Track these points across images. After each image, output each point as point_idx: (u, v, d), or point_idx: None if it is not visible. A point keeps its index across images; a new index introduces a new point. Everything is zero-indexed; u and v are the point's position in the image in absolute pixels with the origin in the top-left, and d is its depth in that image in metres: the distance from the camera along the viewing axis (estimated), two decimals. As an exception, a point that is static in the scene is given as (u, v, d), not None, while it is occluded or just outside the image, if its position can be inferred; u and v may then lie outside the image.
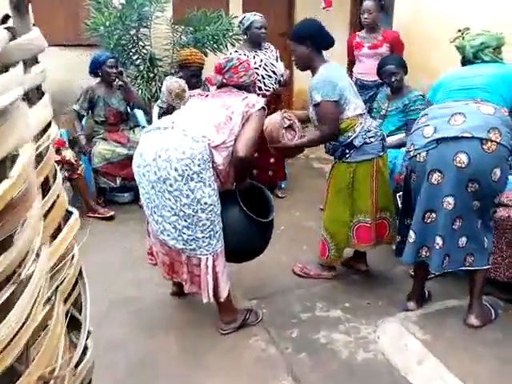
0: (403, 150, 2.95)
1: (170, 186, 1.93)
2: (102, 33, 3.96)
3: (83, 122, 3.76)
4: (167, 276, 2.23)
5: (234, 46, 4.53)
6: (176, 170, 1.91)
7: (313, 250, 2.89)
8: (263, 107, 2.16)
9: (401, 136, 3.24)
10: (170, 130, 2.00)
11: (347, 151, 2.38)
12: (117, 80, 3.73)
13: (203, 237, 2.01)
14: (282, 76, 3.70)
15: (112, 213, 3.46)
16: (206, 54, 4.51)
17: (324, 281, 2.71)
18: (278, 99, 3.75)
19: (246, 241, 2.16)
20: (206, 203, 1.97)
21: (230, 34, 4.47)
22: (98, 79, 3.69)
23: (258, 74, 3.52)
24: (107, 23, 3.87)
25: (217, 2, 5.08)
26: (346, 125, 2.38)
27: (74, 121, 3.68)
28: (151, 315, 2.40)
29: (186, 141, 1.94)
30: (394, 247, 2.95)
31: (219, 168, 2.03)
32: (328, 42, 2.42)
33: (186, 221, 1.98)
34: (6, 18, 0.75)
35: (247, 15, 3.61)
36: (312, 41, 2.37)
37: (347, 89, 2.37)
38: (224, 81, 2.23)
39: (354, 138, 2.36)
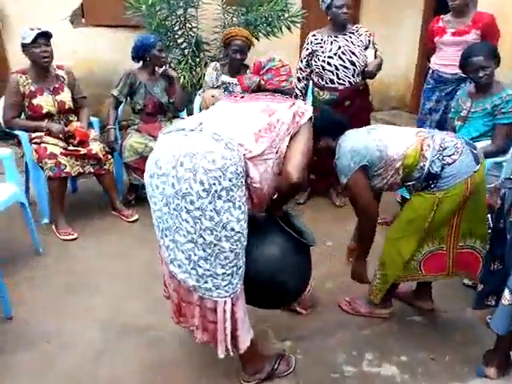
0: (489, 161, 2.38)
1: (191, 203, 1.51)
2: (144, 12, 3.60)
3: (120, 109, 3.43)
4: (174, 318, 1.83)
5: (289, 29, 4.04)
6: (202, 183, 1.49)
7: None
8: (310, 117, 1.76)
9: (485, 144, 2.62)
10: (198, 132, 1.58)
11: (430, 182, 1.85)
12: (163, 67, 3.36)
13: (223, 273, 1.59)
14: (365, 66, 3.10)
15: (136, 217, 3.12)
16: (257, 38, 4.05)
17: (376, 322, 2.21)
18: (356, 93, 3.18)
19: (288, 273, 1.74)
20: (232, 229, 1.54)
21: (286, 15, 3.97)
22: (140, 64, 3.33)
23: (330, 64, 3.07)
24: (150, 1, 3.50)
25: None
26: (411, 157, 1.86)
27: (109, 109, 3.34)
28: (164, 351, 2.02)
29: (217, 147, 1.52)
30: (464, 281, 2.42)
31: (254, 186, 1.60)
32: None
33: (204, 250, 1.57)
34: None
35: None
36: None
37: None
38: (262, 82, 1.87)
39: (430, 165, 1.82)
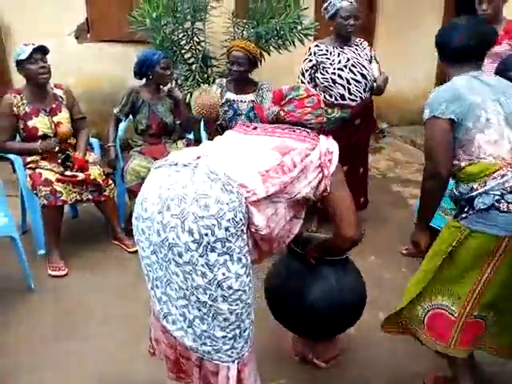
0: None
1: (179, 255, 1.27)
2: (148, 26, 3.40)
3: (121, 128, 3.22)
4: (171, 375, 1.57)
5: (302, 42, 3.82)
6: (191, 232, 1.24)
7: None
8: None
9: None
10: (192, 168, 1.34)
11: (465, 209, 1.55)
12: (168, 85, 3.14)
13: (224, 337, 1.34)
14: (374, 81, 2.85)
15: (136, 248, 2.88)
16: (268, 52, 3.84)
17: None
18: (366, 110, 2.93)
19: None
20: (230, 287, 1.29)
21: (299, 28, 3.75)
22: (144, 81, 3.12)
23: (341, 78, 2.78)
24: (154, 15, 3.30)
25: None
26: (478, 169, 1.52)
27: (109, 127, 3.12)
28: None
29: (212, 189, 1.28)
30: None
31: (261, 233, 1.34)
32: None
33: (199, 310, 1.32)
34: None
35: (333, 0, 2.78)
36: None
37: (487, 110, 1.53)
38: (281, 114, 1.60)
39: (480, 194, 1.51)
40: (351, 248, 1.61)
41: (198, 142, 3.26)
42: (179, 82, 3.68)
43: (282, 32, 3.73)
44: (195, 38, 3.88)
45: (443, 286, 1.62)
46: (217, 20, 3.81)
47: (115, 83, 4.77)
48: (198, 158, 1.40)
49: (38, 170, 2.62)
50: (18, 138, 2.78)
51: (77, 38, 4.61)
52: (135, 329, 2.16)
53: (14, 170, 2.79)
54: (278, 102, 1.63)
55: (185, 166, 1.35)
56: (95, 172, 2.74)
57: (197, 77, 3.68)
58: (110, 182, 2.84)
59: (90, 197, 2.74)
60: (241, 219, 1.28)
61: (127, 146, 3.22)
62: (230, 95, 3.02)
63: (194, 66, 3.77)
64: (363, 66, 2.79)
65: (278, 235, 1.43)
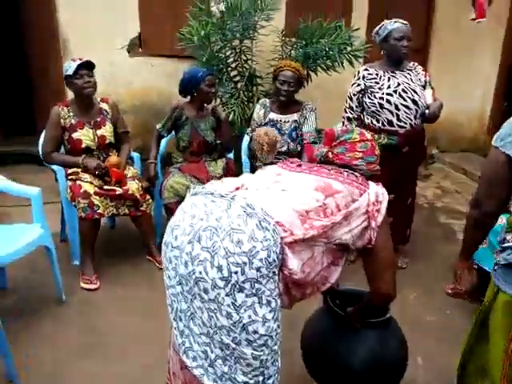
0: None
1: (205, 291, 1.20)
2: (196, 44, 3.42)
3: (163, 143, 3.22)
4: None
5: (351, 63, 3.72)
6: (220, 268, 1.17)
7: (434, 369, 1.94)
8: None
9: None
10: (229, 200, 1.27)
11: (496, 261, 1.40)
12: (211, 103, 3.12)
13: (245, 382, 1.24)
14: (426, 108, 2.68)
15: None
16: (315, 72, 3.77)
17: None
18: (416, 138, 2.76)
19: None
20: (255, 332, 1.20)
21: (348, 49, 3.66)
22: (189, 98, 3.11)
23: (389, 103, 2.63)
24: (202, 32, 3.31)
25: (337, 11, 4.29)
26: None
27: (152, 143, 3.14)
28: None
29: (247, 224, 1.20)
30: None
31: (294, 277, 1.25)
32: None
33: (221, 350, 1.23)
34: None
35: (386, 23, 2.66)
36: None
37: None
38: (330, 155, 1.52)
39: (510, 248, 1.34)
40: (386, 305, 1.52)
41: (237, 161, 3.21)
42: (223, 99, 3.66)
43: (331, 52, 3.64)
44: (242, 56, 3.86)
45: (479, 351, 1.47)
46: (265, 38, 3.78)
47: (163, 97, 4.85)
48: (237, 189, 1.34)
49: (78, 182, 2.64)
50: (62, 148, 2.84)
51: (129, 51, 4.73)
52: (160, 353, 2.09)
53: (57, 180, 2.84)
54: (328, 143, 1.54)
55: (222, 196, 1.29)
56: (133, 187, 2.74)
57: (241, 95, 3.65)
58: (148, 197, 2.83)
59: (127, 211, 2.74)
60: (274, 260, 1.19)
61: (168, 160, 3.22)
62: (274, 115, 2.98)
63: (239, 85, 3.75)
64: (415, 91, 2.65)
65: (313, 281, 1.32)
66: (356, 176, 1.42)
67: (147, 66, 4.78)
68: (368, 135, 1.56)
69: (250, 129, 3.11)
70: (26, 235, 2.21)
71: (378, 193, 1.38)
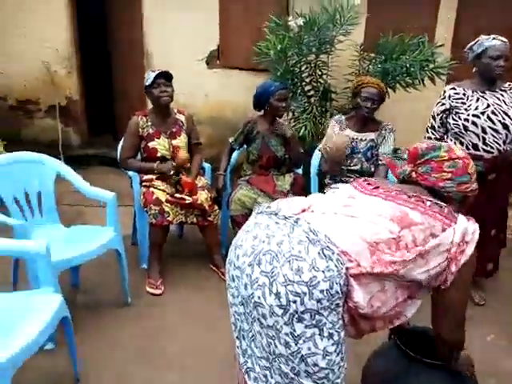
0: None
1: (263, 317, 1.16)
2: (272, 58, 3.43)
3: (234, 156, 3.25)
4: None
5: (432, 81, 3.54)
6: (278, 296, 1.12)
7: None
8: None
9: None
10: (292, 223, 1.21)
11: None
12: (282, 117, 3.12)
13: (306, 414, 1.18)
14: None
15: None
16: (394, 89, 3.63)
17: None
18: (505, 165, 2.53)
19: None
20: (315, 365, 1.14)
21: (431, 66, 3.48)
22: (262, 112, 3.13)
23: (475, 125, 2.45)
24: (279, 47, 3.32)
25: (420, 26, 4.11)
26: None
27: (222, 155, 3.19)
28: None
29: (309, 252, 1.14)
30: None
31: (360, 311, 1.17)
32: None
33: (281, 377, 1.19)
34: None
35: (482, 38, 2.48)
36: None
37: None
38: (413, 175, 1.36)
39: None
40: (450, 354, 1.37)
41: (305, 175, 3.16)
42: (296, 114, 3.64)
43: (412, 69, 3.49)
44: (317, 71, 3.82)
45: None
46: (341, 53, 3.71)
47: (238, 110, 4.92)
48: (303, 211, 1.29)
49: (151, 189, 2.74)
50: (138, 156, 2.97)
51: (207, 63, 4.87)
52: (217, 364, 2.10)
53: (132, 185, 2.97)
54: (411, 161, 1.40)
55: (285, 218, 1.24)
56: (202, 197, 2.78)
57: (314, 110, 3.60)
58: (216, 207, 2.87)
59: (195, 220, 2.79)
60: (337, 292, 1.12)
61: (237, 172, 3.25)
62: (350, 132, 2.90)
63: (312, 99, 3.71)
64: (507, 114, 2.44)
65: (384, 315, 1.23)
66: (441, 207, 1.26)
67: (224, 79, 4.89)
68: (458, 151, 1.36)
69: (321, 145, 3.04)
70: (99, 237, 2.32)
71: (466, 231, 1.22)
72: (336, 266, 1.12)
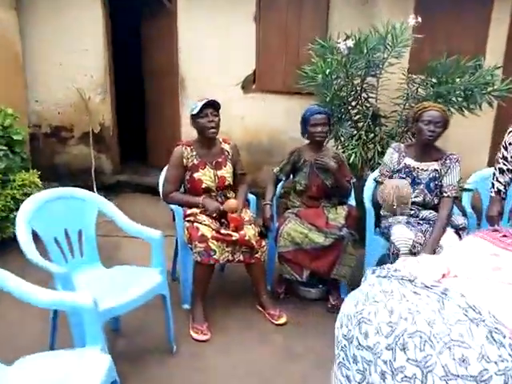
0: None
1: None
2: (319, 82, 3.24)
3: (279, 187, 3.05)
4: None
5: (491, 105, 3.31)
6: None
7: None
8: None
9: None
10: (439, 295, 0.98)
11: None
12: (323, 144, 2.91)
13: None
14: None
15: (284, 319, 2.61)
16: (451, 114, 3.38)
17: None
18: None
19: None
20: None
21: (489, 89, 3.24)
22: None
23: None
24: (327, 71, 3.13)
25: (469, 48, 3.89)
26: None
27: (268, 185, 2.99)
28: None
29: (473, 335, 0.90)
30: None
31: None
32: None
33: None
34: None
35: None
36: None
37: None
38: None
39: None
40: None
41: (359, 207, 2.92)
42: (343, 140, 3.42)
43: (469, 93, 3.25)
44: (363, 94, 3.62)
45: None
46: (392, 77, 3.50)
47: (274, 135, 4.77)
48: (443, 276, 1.05)
49: (195, 224, 2.54)
50: (181, 188, 2.79)
51: (243, 88, 4.74)
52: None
53: (174, 219, 2.78)
54: None
55: (426, 287, 1.01)
56: (250, 232, 2.57)
57: (363, 136, 3.38)
58: (263, 244, 2.64)
59: (242, 258, 2.58)
60: None
61: (284, 205, 3.04)
62: (410, 161, 2.66)
63: (360, 124, 3.49)
64: None
65: None
66: None
67: (260, 103, 4.75)
68: None
69: (378, 173, 2.81)
70: (144, 281, 2.12)
71: None
72: (510, 354, 0.88)
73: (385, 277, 1.07)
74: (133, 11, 5.17)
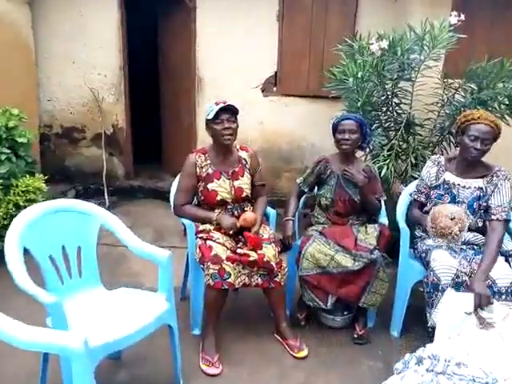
0: None
1: None
2: (349, 86, 2.95)
3: (302, 200, 2.76)
4: None
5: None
6: None
7: None
8: None
9: None
10: None
11: None
12: (358, 156, 2.62)
13: None
14: None
15: (305, 352, 2.32)
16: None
17: None
18: None
19: None
20: None
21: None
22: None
23: None
24: (359, 74, 2.84)
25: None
26: None
27: (290, 197, 2.70)
28: None
29: None
30: None
31: None
32: None
33: None
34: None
35: None
36: None
37: None
38: None
39: None
40: None
41: (394, 228, 2.61)
42: (374, 151, 3.12)
43: (515, 99, 2.93)
44: (395, 100, 3.31)
45: None
46: (427, 81, 3.18)
47: (295, 141, 4.50)
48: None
49: (208, 243, 2.28)
50: (194, 199, 2.53)
51: (263, 90, 4.47)
52: None
53: (185, 233, 2.51)
54: None
55: None
56: (269, 252, 2.29)
57: (395, 146, 3.07)
58: (284, 265, 2.36)
59: (260, 281, 2.29)
60: None
61: (307, 221, 2.76)
62: (451, 177, 2.35)
63: (392, 133, 3.19)
64: None
65: None
66: None
67: (280, 107, 4.48)
68: None
69: (414, 189, 2.51)
70: (149, 310, 1.86)
71: None
72: None
73: (442, 373, 0.78)
74: (150, 8, 4.95)
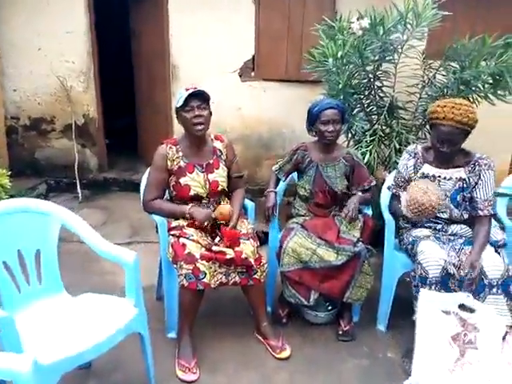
0: None
1: None
2: (329, 67, 2.79)
3: (279, 188, 2.61)
4: None
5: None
6: None
7: None
8: None
9: None
10: None
11: None
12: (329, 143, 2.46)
13: None
14: None
15: (287, 353, 2.19)
16: (476, 103, 2.94)
17: None
18: None
19: None
20: None
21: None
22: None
23: None
24: (339, 54, 2.68)
25: (499, 24, 3.41)
26: None
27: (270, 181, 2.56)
28: None
29: None
30: None
31: None
32: None
33: None
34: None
35: None
36: None
37: None
38: None
39: None
40: None
41: (378, 217, 2.50)
42: (356, 137, 2.98)
43: (498, 77, 2.80)
44: (377, 82, 3.16)
45: None
46: (409, 62, 3.04)
47: (275, 127, 4.33)
48: None
49: (181, 240, 2.12)
50: (166, 194, 2.37)
51: (240, 75, 4.29)
52: None
53: (157, 231, 2.35)
54: None
55: None
56: (248, 248, 2.14)
57: (378, 131, 2.93)
58: (264, 261, 2.21)
59: (238, 279, 2.15)
60: None
61: (288, 210, 2.62)
62: (430, 169, 2.21)
63: (374, 118, 3.05)
64: None
65: None
66: None
67: (259, 92, 4.29)
68: None
69: (392, 183, 2.37)
70: (115, 317, 1.70)
71: None
72: None
73: None
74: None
